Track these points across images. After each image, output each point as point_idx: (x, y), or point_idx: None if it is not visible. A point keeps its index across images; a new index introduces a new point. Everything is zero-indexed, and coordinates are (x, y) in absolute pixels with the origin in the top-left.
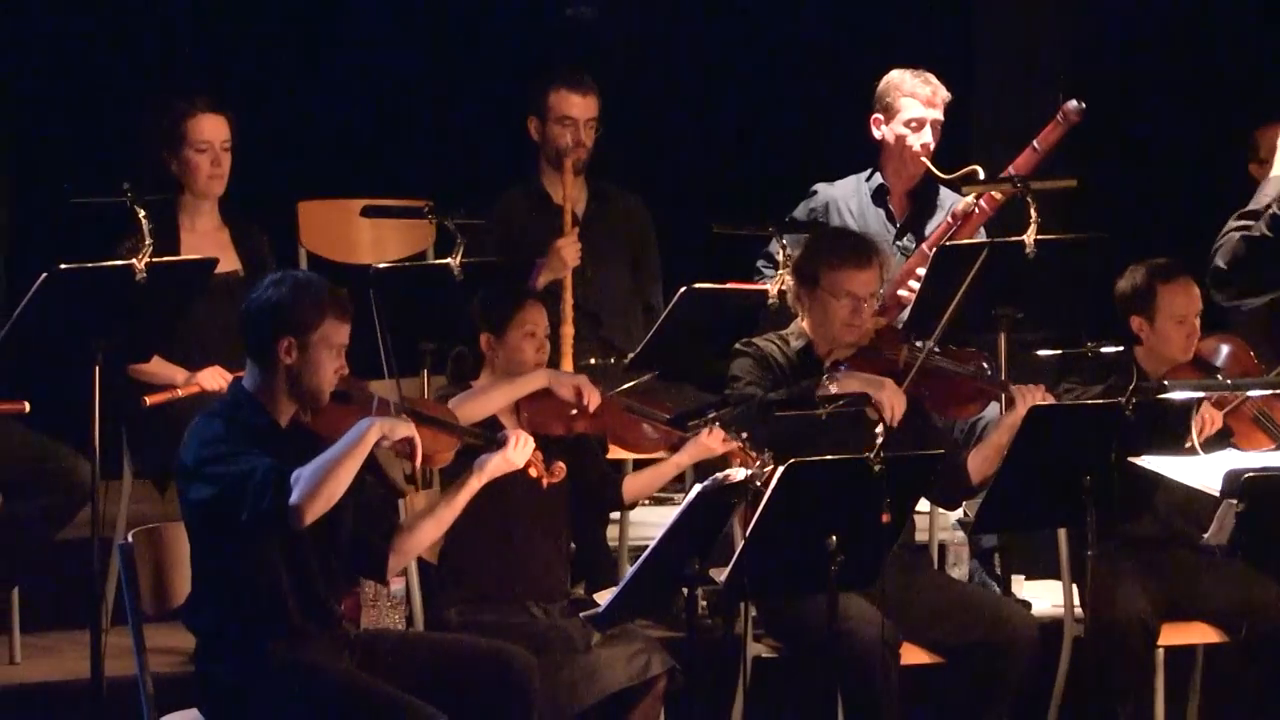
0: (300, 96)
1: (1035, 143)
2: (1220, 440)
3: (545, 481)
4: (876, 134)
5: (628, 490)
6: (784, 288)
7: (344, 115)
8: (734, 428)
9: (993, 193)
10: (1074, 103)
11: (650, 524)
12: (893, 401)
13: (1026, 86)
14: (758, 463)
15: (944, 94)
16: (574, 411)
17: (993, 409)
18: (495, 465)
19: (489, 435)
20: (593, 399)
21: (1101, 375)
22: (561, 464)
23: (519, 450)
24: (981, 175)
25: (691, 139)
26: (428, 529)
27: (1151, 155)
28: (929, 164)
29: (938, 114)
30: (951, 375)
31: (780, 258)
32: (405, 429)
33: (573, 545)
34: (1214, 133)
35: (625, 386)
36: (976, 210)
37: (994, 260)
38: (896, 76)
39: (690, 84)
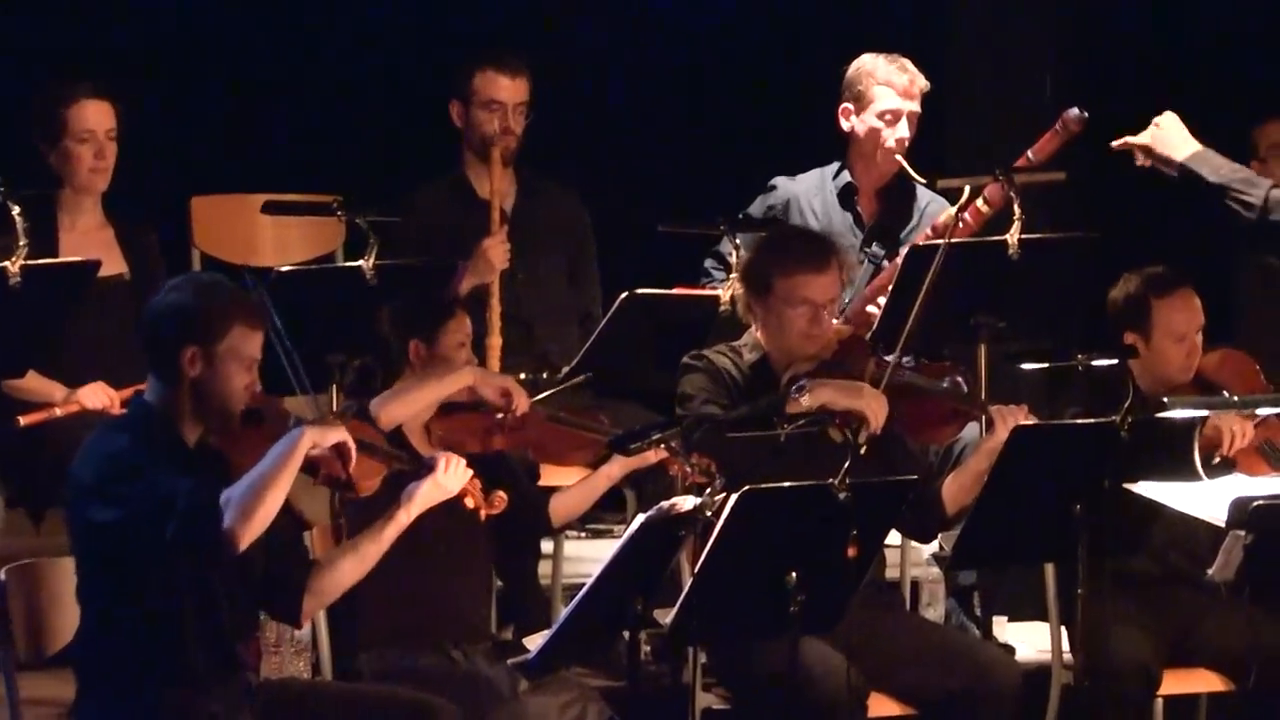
0: (193, 80)
1: (1030, 153)
2: (1225, 466)
3: (484, 513)
4: (845, 125)
5: (556, 510)
6: (736, 294)
7: (242, 100)
8: (682, 451)
9: (978, 204)
10: (1075, 111)
11: (587, 559)
12: (875, 408)
13: (1011, 74)
14: (708, 489)
15: (922, 83)
16: (493, 425)
17: (972, 430)
18: (426, 494)
19: (417, 459)
20: (520, 403)
21: (1096, 392)
22: (502, 494)
23: (451, 474)
24: (966, 187)
25: (634, 126)
26: (349, 567)
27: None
28: (904, 162)
29: (915, 106)
30: (924, 393)
31: (733, 259)
32: (337, 433)
33: (499, 582)
34: (1212, 128)
35: (550, 391)
36: (961, 225)
37: (973, 262)
38: (869, 62)
39: (632, 63)
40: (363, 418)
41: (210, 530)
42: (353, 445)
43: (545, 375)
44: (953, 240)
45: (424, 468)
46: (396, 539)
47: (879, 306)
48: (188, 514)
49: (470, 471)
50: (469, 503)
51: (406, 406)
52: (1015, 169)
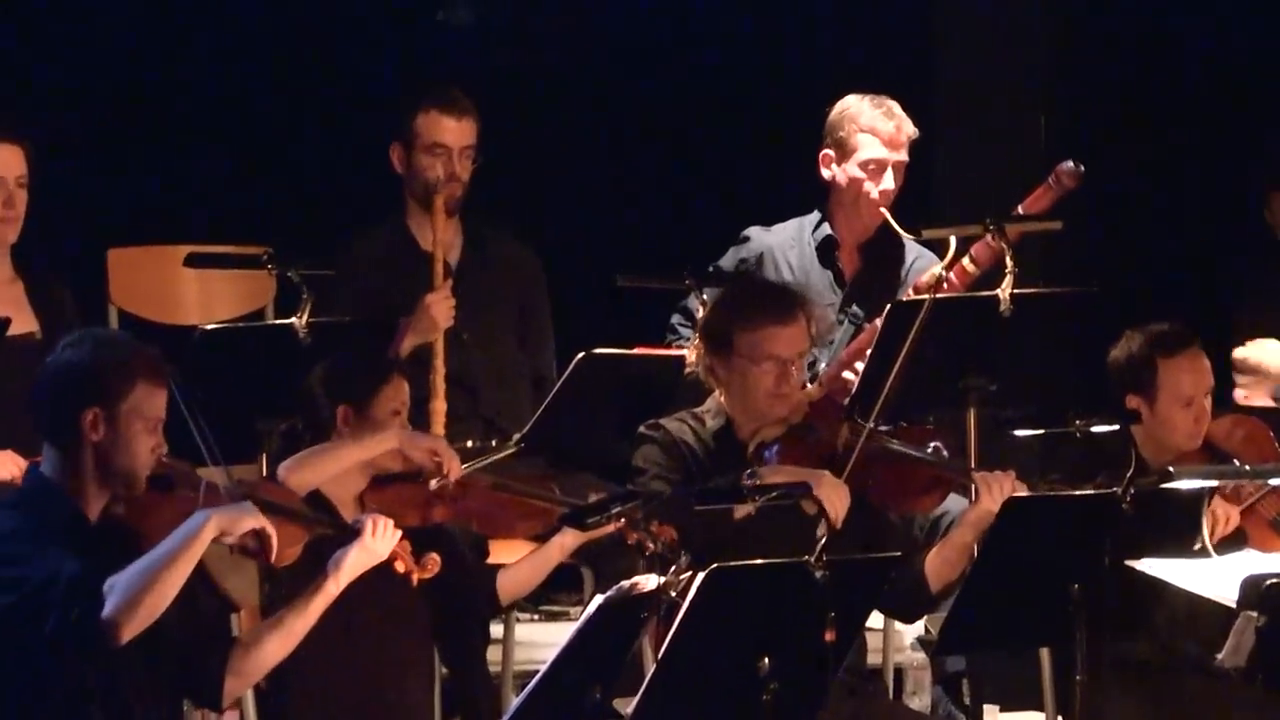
0: (111, 122)
1: (1021, 208)
2: (1234, 542)
3: (415, 578)
4: (826, 173)
5: (504, 587)
6: (699, 354)
7: (164, 143)
8: (643, 525)
9: (964, 263)
10: (1070, 164)
11: (541, 644)
12: (833, 498)
13: (1002, 119)
14: (672, 567)
15: (910, 130)
16: (432, 495)
17: (957, 502)
18: (355, 561)
19: (341, 524)
20: (452, 467)
21: (1093, 461)
22: (435, 556)
23: (380, 538)
24: (952, 239)
25: (591, 172)
26: (273, 645)
27: (1151, 198)
28: (888, 215)
29: (901, 156)
30: (904, 460)
31: (700, 316)
32: (252, 519)
33: (443, 670)
34: (1221, 174)
35: (484, 460)
36: (946, 284)
37: (961, 319)
38: (854, 106)
39: (590, 102)
40: (271, 483)
41: (88, 620)
42: (272, 532)
43: (494, 443)
44: (939, 295)
45: (350, 532)
46: (329, 619)
47: (856, 372)
48: (65, 598)
49: (399, 532)
50: (399, 567)
51: (318, 470)
52: (1007, 218)
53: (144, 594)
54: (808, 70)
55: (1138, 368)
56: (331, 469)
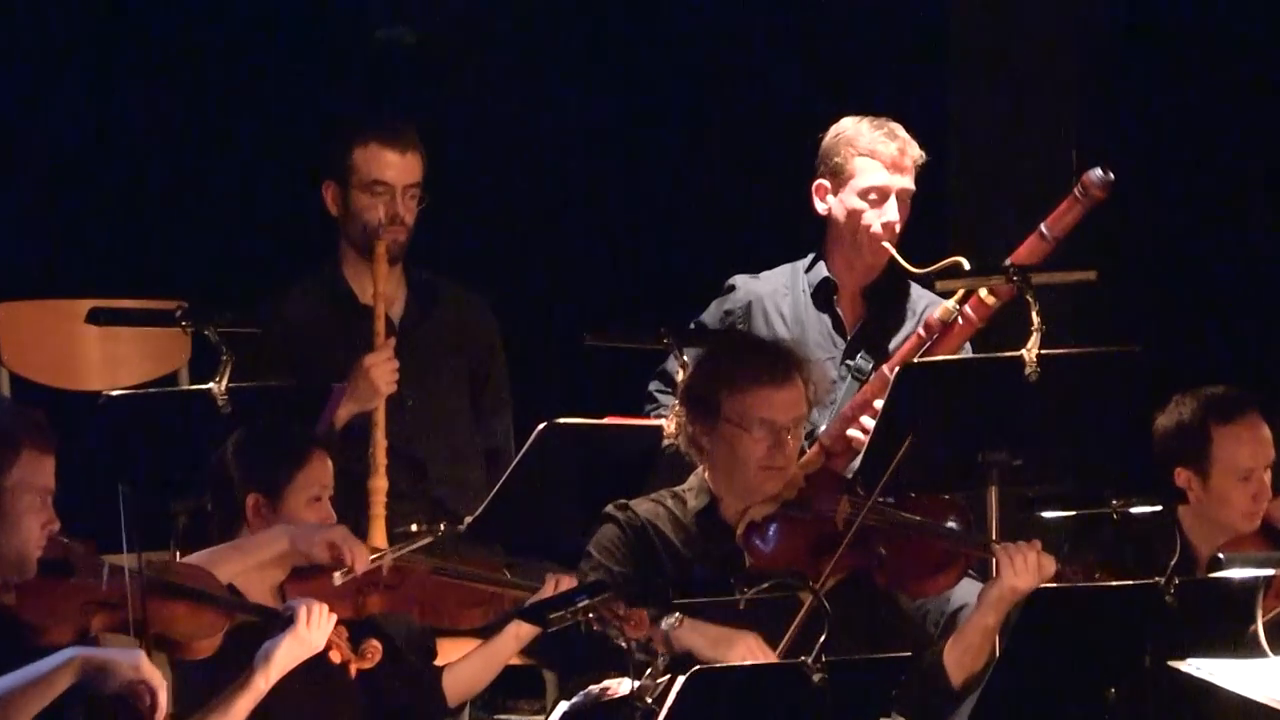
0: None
1: (1044, 226)
2: None
3: (354, 668)
4: (821, 207)
5: (453, 686)
6: (680, 423)
7: (62, 186)
8: (615, 621)
9: (982, 294)
10: (1097, 172)
11: None
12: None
13: (1026, 147)
14: (648, 669)
15: (915, 153)
16: (365, 583)
17: (974, 589)
18: (287, 652)
19: (268, 611)
20: (357, 558)
21: (1133, 547)
22: (376, 643)
23: (316, 627)
24: (966, 267)
25: (555, 214)
26: None
27: (1202, 241)
28: (894, 251)
29: (907, 181)
30: (913, 532)
31: (681, 379)
32: (130, 670)
33: None
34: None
35: (411, 546)
36: (959, 320)
37: (981, 383)
38: (849, 128)
39: (554, 136)
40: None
41: None
42: (158, 685)
43: (443, 526)
44: (955, 341)
45: (280, 620)
46: (252, 714)
47: (864, 429)
48: None
49: (335, 616)
50: (335, 656)
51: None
52: (1031, 268)
53: None
54: (803, 98)
55: (1189, 437)
56: (222, 576)
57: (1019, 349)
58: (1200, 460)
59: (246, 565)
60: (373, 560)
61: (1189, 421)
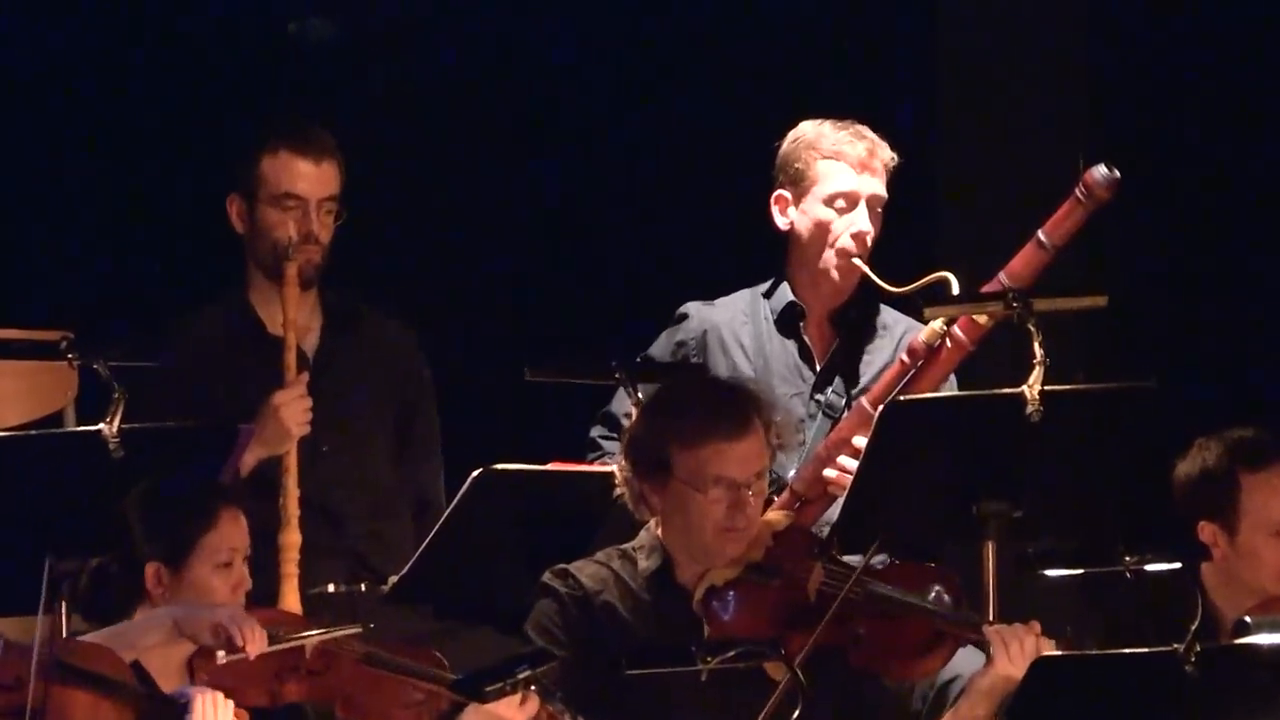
0: None
1: (1042, 233)
2: None
3: None
4: (781, 222)
5: None
6: (626, 476)
7: None
8: (558, 696)
9: (974, 316)
10: (1101, 170)
11: None
12: None
13: (1027, 139)
14: None
15: (886, 155)
16: (285, 667)
17: (973, 656)
18: None
19: (160, 699)
20: (252, 642)
21: (1149, 610)
22: None
23: (212, 717)
24: (955, 287)
25: (490, 233)
26: None
27: (1226, 266)
28: (865, 267)
29: (877, 186)
30: (896, 609)
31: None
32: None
33: None
34: None
35: (318, 634)
36: (946, 343)
37: (976, 424)
38: (811, 131)
39: (489, 145)
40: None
41: None
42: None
43: (363, 587)
44: (944, 368)
45: (173, 709)
46: None
47: (843, 471)
48: None
49: (232, 704)
50: None
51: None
52: (1033, 292)
53: None
54: (763, 99)
55: (1214, 487)
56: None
57: (1019, 384)
58: (1227, 513)
59: (134, 654)
60: (274, 644)
61: (1214, 469)
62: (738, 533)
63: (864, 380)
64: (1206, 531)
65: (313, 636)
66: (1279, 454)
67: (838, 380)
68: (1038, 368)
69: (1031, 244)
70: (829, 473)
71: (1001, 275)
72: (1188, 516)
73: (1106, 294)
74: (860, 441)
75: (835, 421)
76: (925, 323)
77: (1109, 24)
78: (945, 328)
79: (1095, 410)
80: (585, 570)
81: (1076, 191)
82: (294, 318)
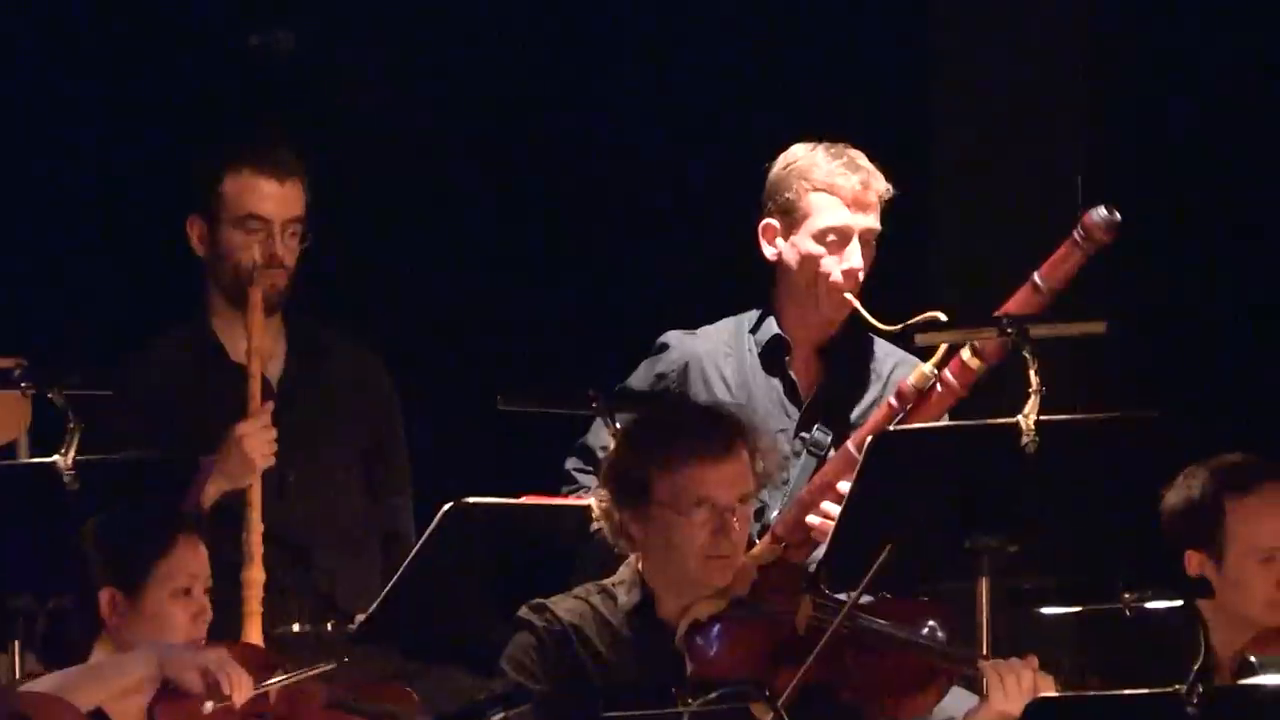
0: None
1: (1038, 276)
2: None
3: None
4: (769, 252)
5: None
6: (604, 506)
7: None
8: None
9: (964, 355)
10: (1101, 211)
11: None
12: None
13: (1023, 171)
14: None
15: (881, 186)
16: (247, 715)
17: (965, 698)
18: None
19: None
20: (236, 689)
21: (1150, 649)
22: None
23: None
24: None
25: (462, 257)
26: None
27: (1228, 288)
28: (857, 304)
29: (871, 220)
30: (887, 644)
31: (605, 455)
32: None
33: None
34: None
35: (310, 672)
36: (938, 387)
37: (969, 456)
38: (803, 158)
39: (462, 165)
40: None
41: None
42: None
43: (330, 626)
44: (933, 412)
45: None
46: None
47: (826, 515)
48: None
49: None
50: None
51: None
52: (1028, 319)
53: None
54: (752, 120)
55: (1199, 514)
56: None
57: (1014, 415)
58: (1213, 540)
59: (109, 693)
60: (259, 688)
61: (1198, 496)
62: (722, 560)
63: (853, 418)
64: (1194, 562)
65: (291, 679)
66: (1265, 477)
67: (825, 418)
68: (1034, 397)
69: (1027, 287)
70: (812, 519)
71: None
72: (1175, 546)
73: (1106, 320)
74: (845, 487)
75: (821, 460)
76: (917, 350)
77: (1108, 54)
78: (935, 371)
79: (1094, 441)
80: (563, 605)
81: (1075, 233)
82: (258, 345)
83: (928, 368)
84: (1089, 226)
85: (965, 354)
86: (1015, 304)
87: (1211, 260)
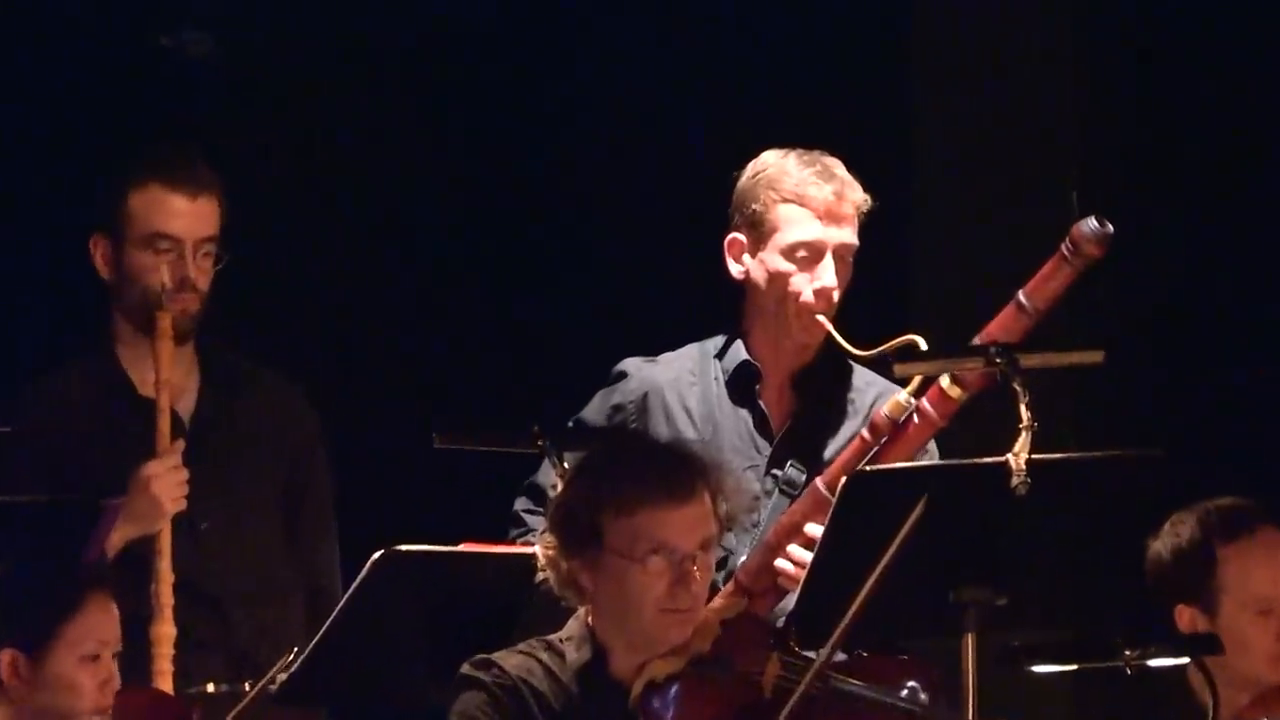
0: None
1: (1023, 295)
2: None
3: None
4: (736, 269)
5: None
6: (551, 555)
7: None
8: None
9: (944, 383)
10: (1091, 224)
11: None
12: None
13: (1012, 185)
14: None
15: (857, 197)
16: None
17: None
18: None
19: None
20: None
21: (1153, 708)
22: None
23: None
24: (924, 349)
25: (393, 281)
26: None
27: (1238, 314)
28: (830, 327)
29: (846, 235)
30: (863, 707)
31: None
32: None
33: None
34: None
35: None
36: (915, 418)
37: (955, 499)
38: (773, 166)
39: (390, 176)
40: None
41: None
42: None
43: (247, 686)
44: (910, 446)
45: None
46: None
47: (795, 563)
48: None
49: None
50: None
51: None
52: (1017, 347)
53: None
54: (716, 124)
55: (1189, 563)
56: None
57: (1003, 453)
58: (1205, 592)
59: None
60: None
61: (1187, 544)
62: (681, 614)
63: (828, 453)
64: (1185, 617)
65: None
66: (1259, 521)
67: (799, 453)
68: (1025, 433)
69: (1011, 306)
70: (780, 563)
71: (980, 337)
72: (1164, 600)
73: (1103, 349)
74: (814, 529)
75: (793, 499)
76: (896, 380)
77: (1100, 64)
78: (912, 401)
79: (1091, 482)
80: (509, 660)
81: (1062, 248)
82: (168, 376)
83: (904, 396)
84: (1077, 239)
85: (944, 382)
86: (999, 325)
87: (1212, 275)
